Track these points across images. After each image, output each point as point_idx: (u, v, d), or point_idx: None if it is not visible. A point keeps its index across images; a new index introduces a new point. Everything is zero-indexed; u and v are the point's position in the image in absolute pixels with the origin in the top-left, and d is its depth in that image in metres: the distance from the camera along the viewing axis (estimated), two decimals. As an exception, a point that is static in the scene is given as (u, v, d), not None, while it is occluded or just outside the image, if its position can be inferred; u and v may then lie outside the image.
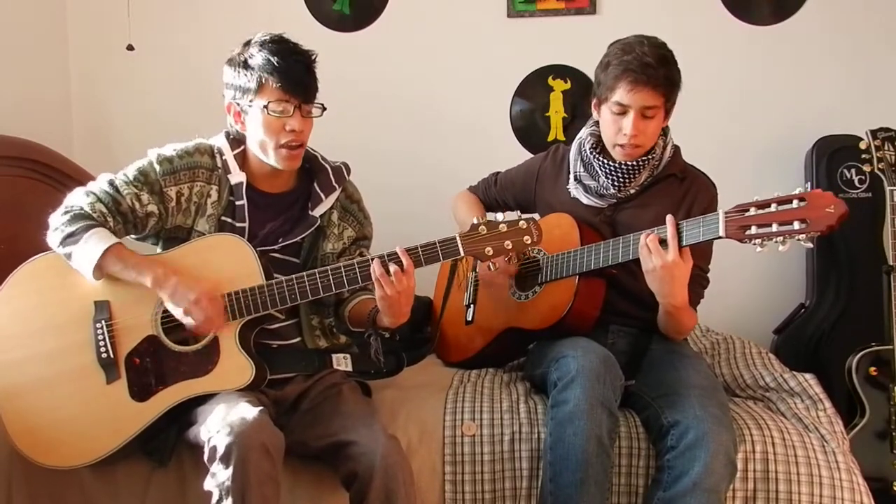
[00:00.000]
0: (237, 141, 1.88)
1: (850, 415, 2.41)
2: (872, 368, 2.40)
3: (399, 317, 1.77)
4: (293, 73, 1.75)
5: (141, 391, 1.74)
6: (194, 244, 1.80)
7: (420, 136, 3.16)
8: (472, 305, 2.25)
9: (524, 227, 1.71)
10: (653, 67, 1.84)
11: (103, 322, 1.76)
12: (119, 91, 3.23)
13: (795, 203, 1.64)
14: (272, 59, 1.74)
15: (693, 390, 1.79)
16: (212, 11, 3.18)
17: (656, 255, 1.77)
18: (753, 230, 1.67)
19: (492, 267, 1.75)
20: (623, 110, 1.89)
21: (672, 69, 1.89)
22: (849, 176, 2.87)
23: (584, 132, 2.09)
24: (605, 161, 1.99)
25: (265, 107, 1.75)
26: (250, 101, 1.77)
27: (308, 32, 3.05)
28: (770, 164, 3.05)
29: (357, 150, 2.96)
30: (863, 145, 2.43)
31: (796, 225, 1.62)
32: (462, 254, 1.72)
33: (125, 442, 1.73)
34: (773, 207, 1.66)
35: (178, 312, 1.71)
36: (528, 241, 1.71)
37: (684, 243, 1.78)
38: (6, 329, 1.79)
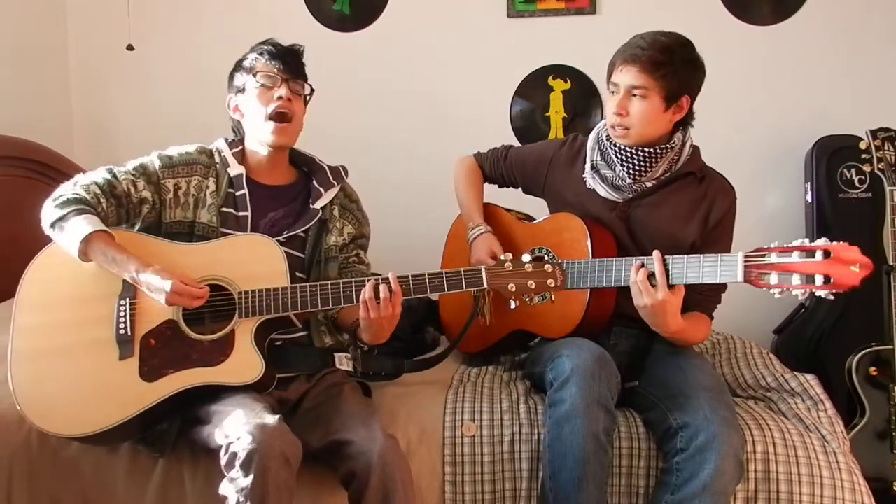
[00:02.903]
0: (235, 142, 1.99)
1: (850, 415, 2.40)
2: (872, 368, 2.40)
3: (378, 339, 1.83)
4: (280, 51, 1.91)
5: (150, 372, 1.75)
6: (226, 240, 1.85)
7: (420, 136, 3.16)
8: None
9: (549, 270, 1.73)
10: (640, 49, 1.89)
11: (127, 300, 1.78)
12: (119, 91, 3.23)
13: (819, 255, 1.59)
14: (263, 46, 1.93)
15: (702, 392, 1.79)
16: (212, 11, 3.19)
17: (646, 294, 1.78)
18: (774, 279, 1.63)
19: (512, 304, 1.75)
20: (615, 90, 1.94)
21: (667, 56, 1.89)
22: (849, 176, 2.87)
23: (601, 123, 2.08)
24: (620, 147, 1.97)
25: (256, 80, 1.89)
26: (245, 84, 1.91)
27: (308, 32, 3.08)
28: (770, 164, 3.05)
29: (358, 151, 2.96)
30: (863, 145, 2.43)
31: (818, 280, 1.58)
32: (485, 285, 1.75)
33: (127, 419, 1.72)
34: (794, 256, 1.61)
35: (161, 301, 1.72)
36: (552, 285, 1.73)
37: (684, 281, 1.77)
38: (36, 295, 1.82)
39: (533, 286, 1.73)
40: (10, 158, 2.56)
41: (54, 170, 2.71)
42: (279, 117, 1.88)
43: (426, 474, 1.83)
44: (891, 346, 2.37)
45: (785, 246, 1.64)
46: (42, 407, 1.75)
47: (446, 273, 1.75)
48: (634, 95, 1.90)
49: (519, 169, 2.20)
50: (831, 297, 1.61)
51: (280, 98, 1.88)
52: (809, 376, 2.05)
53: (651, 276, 1.78)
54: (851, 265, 1.56)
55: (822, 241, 1.61)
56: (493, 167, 2.25)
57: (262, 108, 1.88)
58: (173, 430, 1.80)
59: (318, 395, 1.86)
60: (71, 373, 1.76)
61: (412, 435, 1.87)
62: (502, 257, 1.76)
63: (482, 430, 1.88)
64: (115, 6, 3.07)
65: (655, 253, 1.78)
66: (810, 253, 1.60)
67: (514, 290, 1.74)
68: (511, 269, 1.74)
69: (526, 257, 1.75)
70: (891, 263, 2.38)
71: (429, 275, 1.77)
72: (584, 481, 1.70)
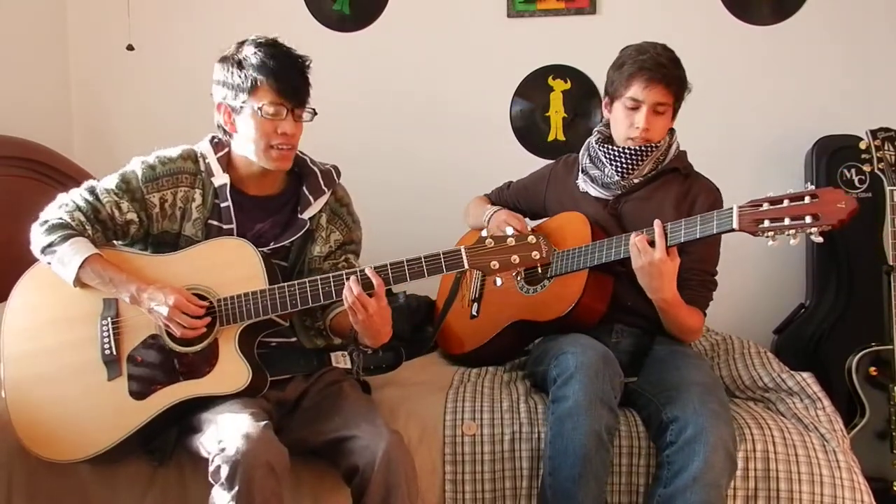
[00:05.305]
0: (221, 144, 1.87)
1: (850, 415, 2.40)
2: (872, 368, 2.40)
3: (378, 338, 1.76)
4: (288, 76, 1.75)
5: (140, 389, 1.75)
6: (200, 247, 1.81)
7: (420, 136, 3.16)
8: (476, 302, 2.26)
9: (533, 241, 1.67)
10: (666, 67, 1.98)
11: (109, 319, 1.78)
12: (119, 91, 3.23)
13: (807, 199, 1.70)
14: (268, 61, 1.74)
15: (693, 387, 1.82)
16: (211, 11, 3.18)
17: (644, 254, 1.85)
18: (766, 224, 1.73)
19: (498, 281, 1.73)
20: (636, 105, 2.00)
21: (682, 72, 2.03)
22: (849, 176, 2.87)
23: (593, 134, 2.18)
24: (610, 148, 2.07)
25: (259, 108, 1.74)
26: (243, 101, 1.76)
27: (308, 32, 3.08)
28: (770, 164, 3.05)
29: (357, 151, 2.96)
30: (863, 145, 2.43)
31: (808, 220, 1.69)
32: (466, 266, 1.68)
33: (122, 439, 1.73)
34: (785, 203, 1.72)
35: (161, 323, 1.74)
36: (536, 257, 1.67)
37: (682, 239, 1.85)
38: (19, 321, 1.82)
39: (517, 261, 1.66)
40: (10, 158, 2.56)
41: (54, 170, 2.71)
42: (280, 149, 1.78)
43: (427, 473, 1.84)
44: (891, 346, 2.37)
45: (775, 196, 1.74)
46: (40, 436, 1.77)
47: (425, 257, 1.69)
48: (658, 112, 2.00)
49: (521, 193, 2.33)
50: (820, 240, 1.70)
51: (284, 133, 1.76)
52: (806, 374, 2.06)
53: (651, 243, 1.86)
54: (838, 203, 1.67)
55: (810, 188, 1.72)
56: (499, 197, 2.38)
57: (263, 140, 1.76)
58: (171, 439, 1.80)
59: (318, 394, 1.86)
60: (63, 399, 1.77)
61: (413, 434, 1.87)
62: (483, 234, 1.73)
63: (482, 429, 1.89)
64: (115, 6, 3.07)
65: (656, 221, 1.87)
66: (799, 198, 1.71)
67: (496, 267, 1.67)
68: (493, 245, 1.67)
69: (509, 230, 1.72)
70: (891, 263, 2.38)
71: (407, 260, 1.69)
72: (585, 478, 1.71)
